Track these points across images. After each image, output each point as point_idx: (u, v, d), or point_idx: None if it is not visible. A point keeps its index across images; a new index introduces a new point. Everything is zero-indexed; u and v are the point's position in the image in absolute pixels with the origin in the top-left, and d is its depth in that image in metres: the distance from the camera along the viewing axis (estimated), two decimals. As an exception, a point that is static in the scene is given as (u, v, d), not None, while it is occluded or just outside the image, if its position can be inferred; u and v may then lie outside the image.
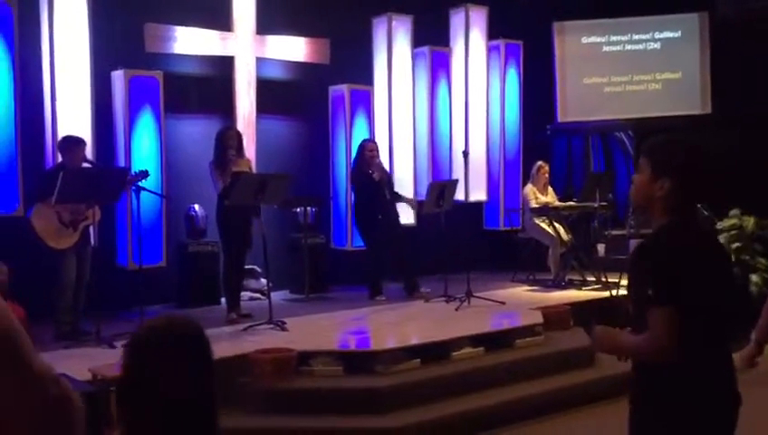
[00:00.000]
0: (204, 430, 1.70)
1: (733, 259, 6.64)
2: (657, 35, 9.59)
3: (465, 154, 7.09)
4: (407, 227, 7.59)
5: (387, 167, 7.56)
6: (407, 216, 7.73)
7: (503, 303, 6.57)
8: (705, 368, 2.16)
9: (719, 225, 7.41)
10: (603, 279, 7.30)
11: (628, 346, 2.23)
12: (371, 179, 7.01)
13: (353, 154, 7.79)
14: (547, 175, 8.17)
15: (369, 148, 7.12)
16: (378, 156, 7.15)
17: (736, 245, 7.24)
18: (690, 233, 2.21)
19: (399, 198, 7.42)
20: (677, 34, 9.55)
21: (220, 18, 7.24)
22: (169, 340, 1.68)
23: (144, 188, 5.74)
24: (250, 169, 6.48)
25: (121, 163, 6.56)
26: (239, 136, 6.41)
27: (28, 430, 1.31)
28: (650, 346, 2.11)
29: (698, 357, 2.14)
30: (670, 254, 2.13)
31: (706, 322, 2.14)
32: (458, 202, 7.53)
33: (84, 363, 4.47)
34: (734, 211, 7.57)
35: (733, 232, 7.36)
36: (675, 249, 2.14)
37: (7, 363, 1.29)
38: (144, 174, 5.78)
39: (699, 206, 6.27)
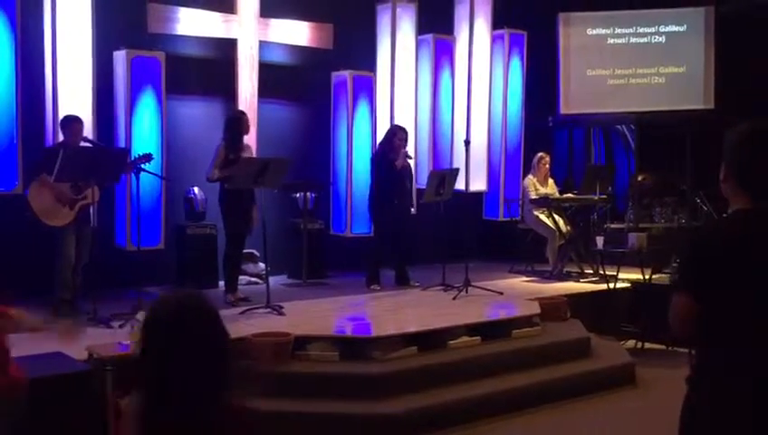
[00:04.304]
0: (217, 397, 1.76)
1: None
2: (663, 29, 9.54)
3: (467, 143, 7.06)
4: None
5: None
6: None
7: (500, 293, 6.57)
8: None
9: None
10: (601, 272, 7.30)
11: None
12: (393, 166, 6.99)
13: (354, 140, 7.78)
14: (548, 166, 8.15)
15: (400, 136, 7.07)
16: (406, 145, 7.11)
17: None
18: None
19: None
20: (683, 28, 9.50)
21: (224, 0, 7.20)
22: (181, 314, 1.76)
23: (144, 170, 5.71)
24: (251, 153, 6.45)
25: (122, 144, 6.54)
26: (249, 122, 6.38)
27: None
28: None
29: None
30: None
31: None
32: (458, 191, 7.52)
33: (81, 342, 4.47)
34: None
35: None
36: None
37: None
38: (148, 157, 5.74)
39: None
